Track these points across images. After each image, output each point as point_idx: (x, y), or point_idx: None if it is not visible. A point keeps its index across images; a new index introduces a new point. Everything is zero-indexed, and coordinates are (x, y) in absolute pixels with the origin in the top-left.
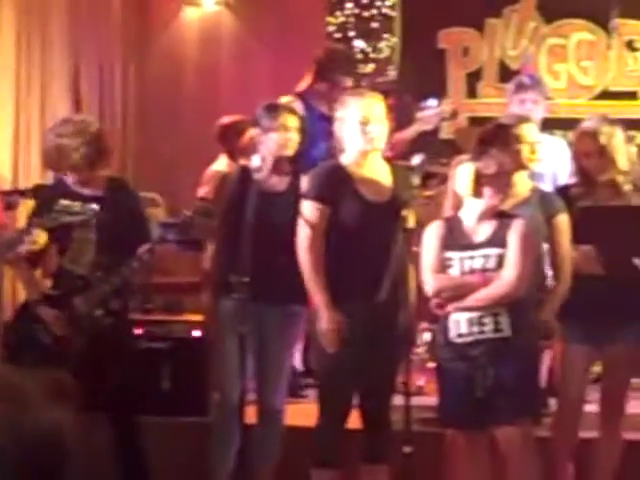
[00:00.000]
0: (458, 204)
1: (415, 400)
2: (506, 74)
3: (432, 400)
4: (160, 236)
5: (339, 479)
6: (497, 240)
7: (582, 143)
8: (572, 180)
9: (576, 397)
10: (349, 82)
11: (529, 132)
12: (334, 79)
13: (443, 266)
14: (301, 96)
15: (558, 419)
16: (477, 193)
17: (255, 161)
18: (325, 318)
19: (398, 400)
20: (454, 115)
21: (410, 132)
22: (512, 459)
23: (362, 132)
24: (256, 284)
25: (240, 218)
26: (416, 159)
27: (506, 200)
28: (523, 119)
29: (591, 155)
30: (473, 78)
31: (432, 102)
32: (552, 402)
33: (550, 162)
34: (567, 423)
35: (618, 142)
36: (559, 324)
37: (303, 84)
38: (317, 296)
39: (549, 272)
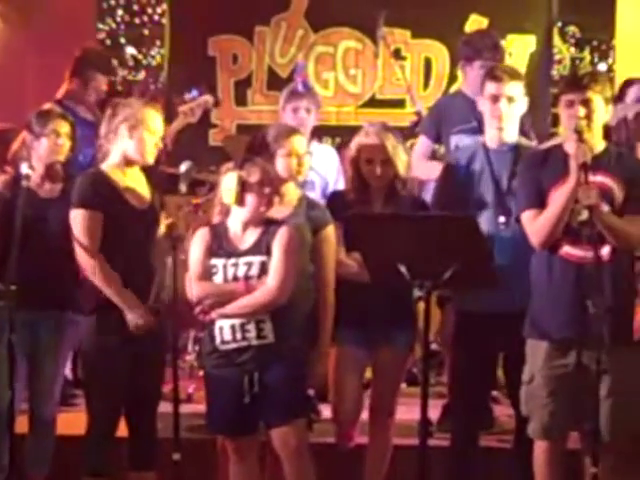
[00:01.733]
0: (225, 211)
1: (185, 407)
2: (275, 82)
3: (202, 407)
4: None
5: None
6: (261, 248)
7: (366, 150)
8: (345, 186)
9: (352, 400)
10: (104, 81)
11: (298, 144)
12: (87, 75)
13: (208, 273)
14: (60, 103)
15: (335, 422)
16: (241, 201)
17: (23, 169)
18: (134, 315)
19: (167, 407)
20: (217, 104)
21: (175, 126)
22: (289, 460)
23: (132, 139)
24: (27, 292)
25: (11, 226)
26: (183, 166)
27: (272, 208)
28: (292, 130)
29: (374, 162)
30: (242, 85)
31: (194, 93)
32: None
33: (320, 170)
34: (343, 427)
35: (399, 150)
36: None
37: (61, 90)
38: (118, 298)
39: None
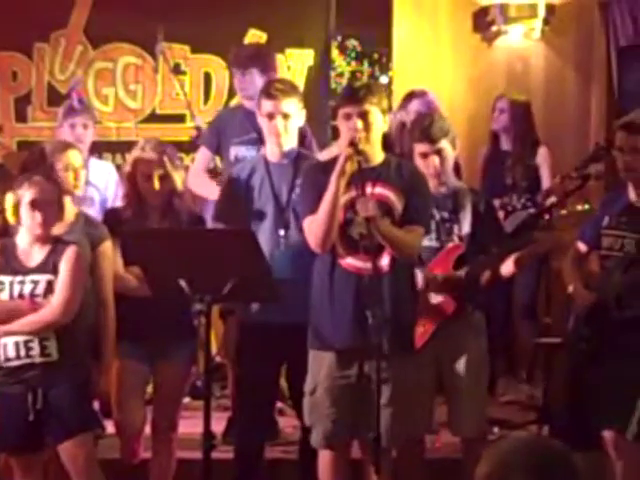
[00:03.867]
0: (15, 229)
1: None
2: (55, 98)
3: None
4: None
5: None
6: (48, 266)
7: (143, 165)
8: (121, 202)
9: (134, 414)
10: None
11: (74, 158)
12: None
13: None
14: None
15: (119, 437)
16: (26, 219)
17: None
18: None
19: None
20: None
21: None
22: (78, 476)
23: None
24: None
25: None
26: None
27: (57, 226)
28: (68, 145)
29: (151, 177)
30: (22, 102)
31: None
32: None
33: (100, 186)
34: (127, 441)
35: (176, 165)
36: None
37: None
38: None
39: None
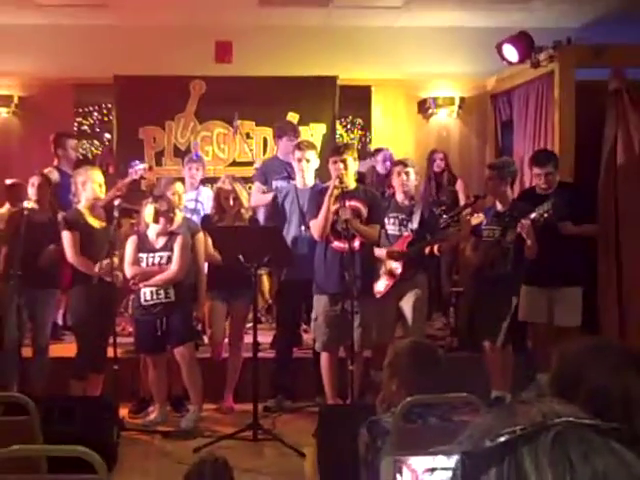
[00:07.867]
0: (146, 226)
1: (123, 339)
2: (178, 153)
3: (129, 339)
4: None
5: None
6: (168, 247)
7: (223, 191)
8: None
9: (220, 331)
10: (74, 142)
11: (179, 188)
12: (63, 142)
13: (137, 261)
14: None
15: (210, 344)
16: (156, 221)
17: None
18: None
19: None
20: (150, 169)
21: (126, 181)
22: (185, 367)
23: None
24: (28, 276)
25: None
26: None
27: (172, 224)
28: (175, 180)
29: (228, 198)
30: (159, 155)
31: (137, 162)
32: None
33: (204, 203)
34: (215, 347)
35: (243, 191)
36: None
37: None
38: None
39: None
